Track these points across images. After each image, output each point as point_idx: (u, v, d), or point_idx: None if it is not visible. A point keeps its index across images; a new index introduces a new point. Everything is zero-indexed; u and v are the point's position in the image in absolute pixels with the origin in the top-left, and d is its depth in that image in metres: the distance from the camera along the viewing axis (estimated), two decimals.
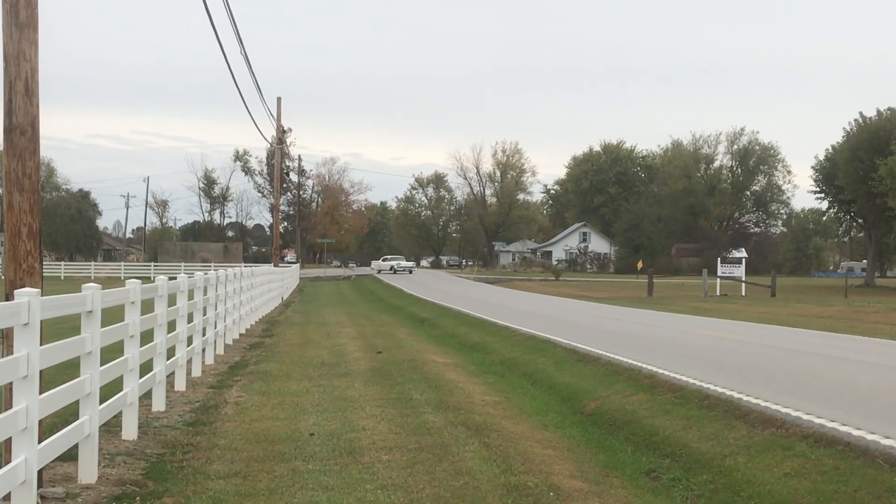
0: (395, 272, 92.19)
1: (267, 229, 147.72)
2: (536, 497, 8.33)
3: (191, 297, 15.09)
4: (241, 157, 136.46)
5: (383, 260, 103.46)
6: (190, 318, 14.73)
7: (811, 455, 9.79)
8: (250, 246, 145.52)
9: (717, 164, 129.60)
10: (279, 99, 53.29)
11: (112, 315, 9.61)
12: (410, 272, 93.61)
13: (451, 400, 13.62)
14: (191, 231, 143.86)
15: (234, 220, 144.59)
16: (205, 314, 16.35)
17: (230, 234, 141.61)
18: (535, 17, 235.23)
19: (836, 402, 12.43)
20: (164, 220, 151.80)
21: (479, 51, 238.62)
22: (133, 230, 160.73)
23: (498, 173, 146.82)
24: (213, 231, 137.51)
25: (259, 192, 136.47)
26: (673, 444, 11.53)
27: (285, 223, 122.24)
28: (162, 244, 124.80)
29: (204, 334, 16.41)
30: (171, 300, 12.77)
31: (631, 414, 13.35)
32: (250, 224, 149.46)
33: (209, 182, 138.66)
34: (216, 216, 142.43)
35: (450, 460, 9.50)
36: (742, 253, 65.48)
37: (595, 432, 12.68)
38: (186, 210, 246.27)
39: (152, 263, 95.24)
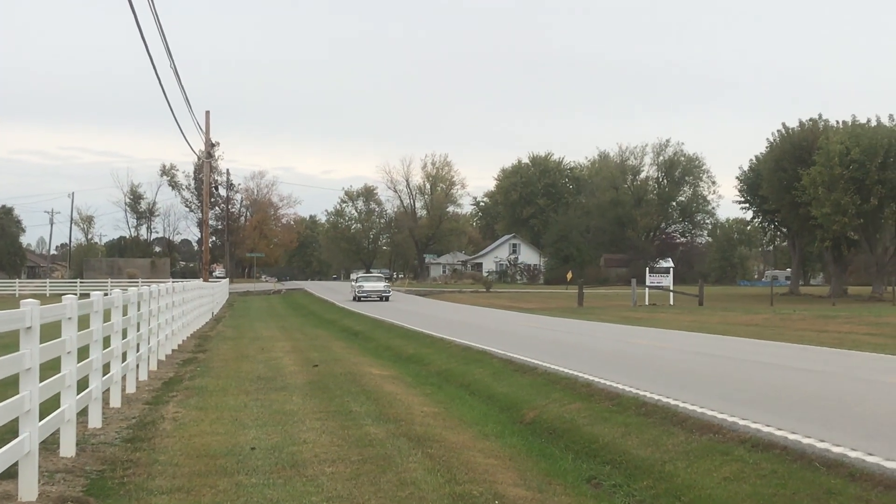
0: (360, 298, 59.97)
1: (195, 244, 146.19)
2: None
3: (125, 312, 14.88)
4: (167, 172, 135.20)
5: (356, 281, 65.49)
6: (124, 334, 14.54)
7: (749, 459, 9.96)
8: (178, 261, 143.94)
9: (643, 175, 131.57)
10: (207, 113, 52.96)
11: (46, 332, 9.45)
12: (381, 298, 60.40)
13: (391, 412, 13.62)
14: (116, 247, 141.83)
15: (160, 235, 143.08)
16: (138, 330, 16.15)
17: (157, 249, 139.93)
18: (460, 30, 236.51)
19: (771, 408, 12.65)
20: (90, 237, 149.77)
21: (408, 63, 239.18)
22: (57, 247, 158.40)
23: (428, 186, 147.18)
24: (140, 246, 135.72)
25: (187, 206, 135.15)
26: (613, 451, 11.65)
27: (213, 238, 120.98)
28: (87, 260, 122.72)
29: (138, 350, 16.20)
30: (106, 316, 12.60)
31: (570, 422, 13.46)
32: (177, 239, 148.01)
33: (135, 197, 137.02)
34: (143, 231, 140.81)
35: (394, 471, 9.50)
36: (669, 263, 66.09)
37: (535, 441, 12.77)
38: (112, 226, 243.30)
39: (78, 280, 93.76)
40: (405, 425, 12.42)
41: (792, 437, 10.44)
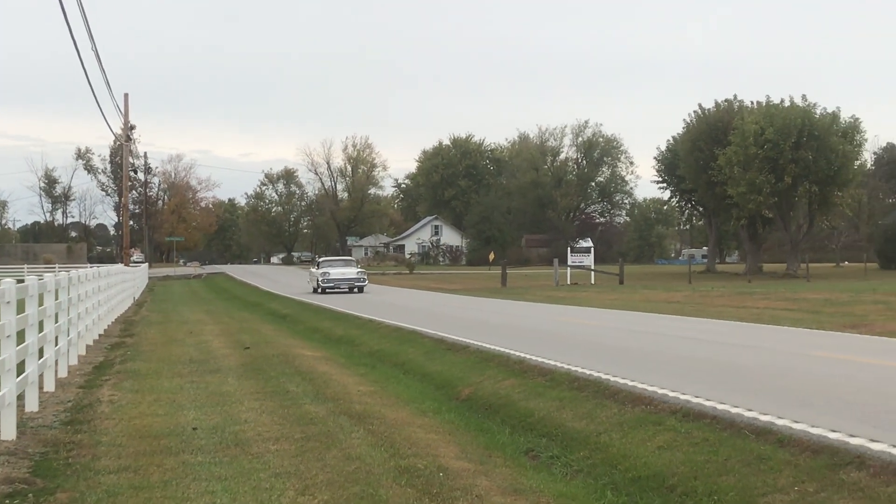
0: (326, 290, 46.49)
1: (111, 228, 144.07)
2: (428, 478, 8.56)
3: (57, 296, 14.78)
4: (83, 156, 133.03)
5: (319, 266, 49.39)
6: (56, 319, 14.44)
7: (681, 429, 10.31)
8: (94, 246, 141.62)
9: (563, 156, 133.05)
10: (126, 95, 52.33)
11: None
12: (354, 289, 46.98)
13: (327, 391, 13.76)
14: (31, 232, 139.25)
15: (77, 220, 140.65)
16: (69, 314, 16.03)
17: (73, 234, 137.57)
18: (383, 11, 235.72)
19: (699, 380, 13.04)
20: (3, 222, 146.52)
21: (327, 45, 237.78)
22: None
23: (349, 168, 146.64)
24: (56, 232, 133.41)
25: (103, 190, 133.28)
26: (548, 424, 11.95)
27: (131, 222, 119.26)
28: (1, 246, 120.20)
29: (68, 334, 16.08)
30: (39, 301, 12.51)
31: (505, 398, 13.74)
32: (93, 224, 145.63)
33: (50, 181, 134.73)
34: (58, 216, 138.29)
35: (338, 447, 9.66)
36: (588, 243, 67.00)
37: (472, 417, 13.03)
38: (27, 211, 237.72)
39: None
40: (344, 404, 12.57)
41: (721, 406, 10.82)
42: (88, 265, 56.64)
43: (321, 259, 54.03)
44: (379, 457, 9.31)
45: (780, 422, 9.79)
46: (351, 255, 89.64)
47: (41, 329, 12.72)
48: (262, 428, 10.65)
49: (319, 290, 46.28)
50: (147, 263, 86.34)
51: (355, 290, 46.90)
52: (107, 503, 7.60)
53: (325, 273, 46.89)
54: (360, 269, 49.09)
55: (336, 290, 46.37)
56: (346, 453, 9.38)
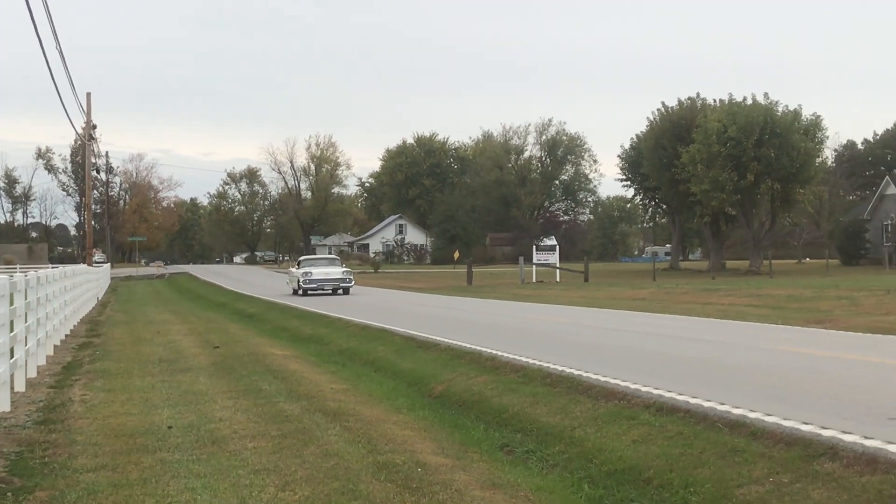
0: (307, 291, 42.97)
1: (71, 229, 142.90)
2: (407, 473, 8.60)
3: (25, 296, 14.70)
4: (43, 155, 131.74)
5: (299, 266, 45.89)
6: (25, 318, 14.35)
7: (655, 423, 10.41)
8: (55, 246, 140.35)
9: (527, 154, 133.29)
10: (89, 94, 51.94)
11: None
12: (339, 291, 43.79)
13: (300, 389, 13.75)
14: None
15: (37, 220, 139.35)
16: (37, 314, 15.91)
17: (34, 234, 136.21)
18: (344, 10, 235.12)
19: (670, 375, 13.17)
20: None
21: (290, 43, 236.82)
22: None
23: (313, 167, 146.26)
24: (16, 232, 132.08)
25: (64, 190, 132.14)
26: (523, 419, 12.02)
27: (93, 222, 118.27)
28: None
29: (37, 334, 15.97)
30: (10, 300, 12.42)
31: (478, 394, 13.80)
32: (54, 224, 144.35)
33: (10, 181, 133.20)
34: (18, 217, 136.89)
35: (316, 444, 9.67)
36: (553, 241, 67.25)
37: (446, 413, 13.07)
38: None
39: None
40: (317, 401, 12.57)
41: (693, 401, 10.93)
42: (50, 266, 56.13)
43: (302, 258, 49.59)
44: (357, 453, 9.33)
45: (752, 415, 9.91)
46: (316, 253, 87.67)
47: (12, 329, 12.63)
48: (238, 426, 10.63)
49: (300, 292, 42.77)
50: (109, 264, 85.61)
51: (340, 291, 43.57)
52: (87, 501, 7.58)
53: (306, 273, 43.21)
54: (345, 269, 45.51)
55: (318, 291, 42.93)
56: (323, 450, 9.40)
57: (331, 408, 12.07)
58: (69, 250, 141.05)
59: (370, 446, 9.69)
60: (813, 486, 7.81)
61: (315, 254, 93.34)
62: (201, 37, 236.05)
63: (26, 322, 14.25)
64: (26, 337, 14.18)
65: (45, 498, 7.67)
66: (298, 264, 46.12)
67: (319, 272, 43.55)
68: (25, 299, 14.19)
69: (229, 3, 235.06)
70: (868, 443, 8.35)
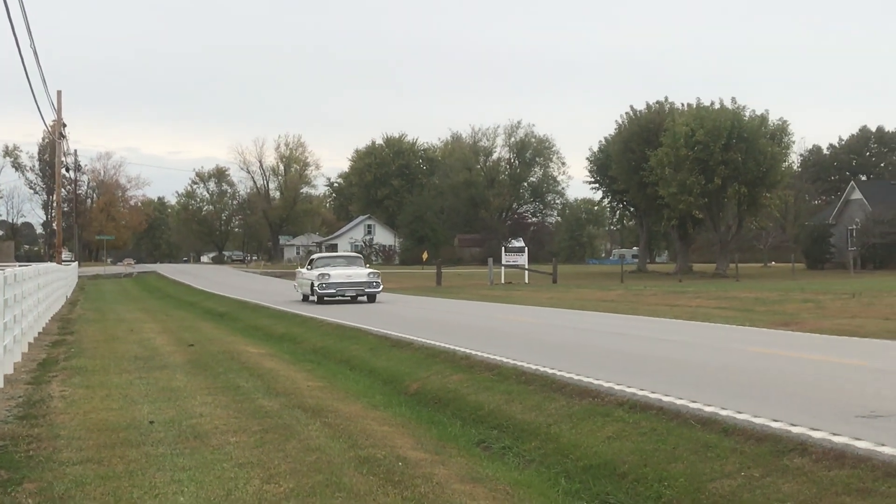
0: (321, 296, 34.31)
1: (38, 227, 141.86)
2: (388, 467, 8.79)
3: (3, 293, 14.72)
4: (10, 153, 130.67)
5: (311, 266, 36.56)
6: (3, 315, 14.39)
7: (629, 419, 10.66)
8: (21, 245, 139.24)
9: (495, 156, 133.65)
10: (59, 92, 51.62)
11: None
12: (362, 297, 35.00)
13: (278, 386, 13.90)
14: None
15: (3, 218, 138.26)
16: (14, 310, 15.96)
17: (0, 232, 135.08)
18: (313, 10, 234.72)
19: (642, 374, 13.42)
20: None
21: (259, 42, 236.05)
22: None
23: (281, 167, 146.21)
24: None
25: (31, 188, 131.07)
26: (498, 416, 12.24)
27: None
28: None
29: (14, 331, 16.01)
30: None
31: (454, 392, 14.01)
32: (20, 222, 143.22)
33: None
34: None
35: (297, 439, 9.84)
36: (521, 242, 67.54)
37: (423, 410, 13.26)
38: None
39: None
40: (296, 398, 12.74)
41: (666, 398, 11.18)
42: (17, 264, 55.76)
43: (315, 256, 39.70)
44: (338, 447, 9.51)
45: (723, 412, 10.17)
46: (284, 254, 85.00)
47: None
48: (219, 421, 10.78)
49: (314, 299, 34.40)
50: (77, 262, 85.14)
51: (362, 298, 34.92)
52: (76, 492, 7.71)
53: (323, 276, 34.27)
54: (371, 271, 36.11)
55: (337, 297, 34.27)
56: (305, 444, 9.57)
57: (309, 404, 12.23)
58: (35, 248, 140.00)
59: (351, 441, 9.87)
60: (783, 480, 8.07)
61: (283, 254, 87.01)
62: (169, 34, 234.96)
63: (3, 319, 14.30)
64: (3, 334, 14.23)
65: (33, 489, 7.80)
66: (310, 264, 37.02)
67: (339, 274, 34.52)
68: (3, 296, 14.23)
69: (198, 4, 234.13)
70: (836, 439, 8.63)
